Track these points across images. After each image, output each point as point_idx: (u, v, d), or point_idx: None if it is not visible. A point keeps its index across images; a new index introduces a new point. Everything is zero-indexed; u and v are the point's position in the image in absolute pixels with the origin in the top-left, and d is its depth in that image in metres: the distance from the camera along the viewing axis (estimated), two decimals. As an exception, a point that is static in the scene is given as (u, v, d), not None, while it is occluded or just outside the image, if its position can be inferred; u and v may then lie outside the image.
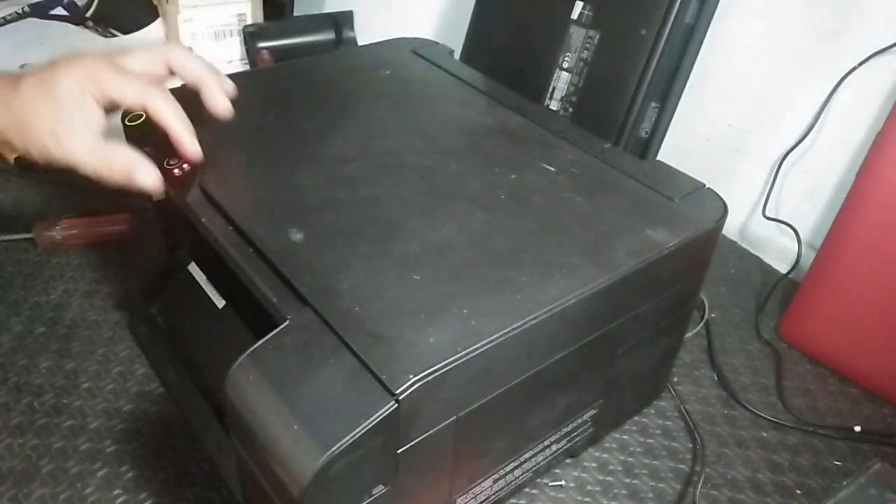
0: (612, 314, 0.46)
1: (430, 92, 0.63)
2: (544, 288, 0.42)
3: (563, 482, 0.55)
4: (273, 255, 0.43)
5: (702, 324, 0.70)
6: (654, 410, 0.62)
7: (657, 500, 0.55)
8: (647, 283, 0.47)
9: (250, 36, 0.98)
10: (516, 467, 0.50)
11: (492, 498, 0.50)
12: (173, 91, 0.51)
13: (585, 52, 0.62)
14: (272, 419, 0.35)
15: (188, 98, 0.59)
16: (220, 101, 0.52)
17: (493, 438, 0.45)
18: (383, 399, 0.35)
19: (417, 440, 0.38)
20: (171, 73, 0.52)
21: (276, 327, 0.39)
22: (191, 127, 0.50)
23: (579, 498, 0.54)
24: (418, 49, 0.69)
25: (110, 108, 0.49)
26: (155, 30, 1.02)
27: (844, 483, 0.43)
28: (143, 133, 0.54)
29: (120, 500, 0.52)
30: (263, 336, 0.38)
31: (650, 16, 0.58)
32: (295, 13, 1.08)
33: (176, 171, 0.50)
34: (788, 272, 0.75)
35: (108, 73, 0.47)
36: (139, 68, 0.50)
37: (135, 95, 0.47)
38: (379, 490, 0.39)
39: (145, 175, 0.48)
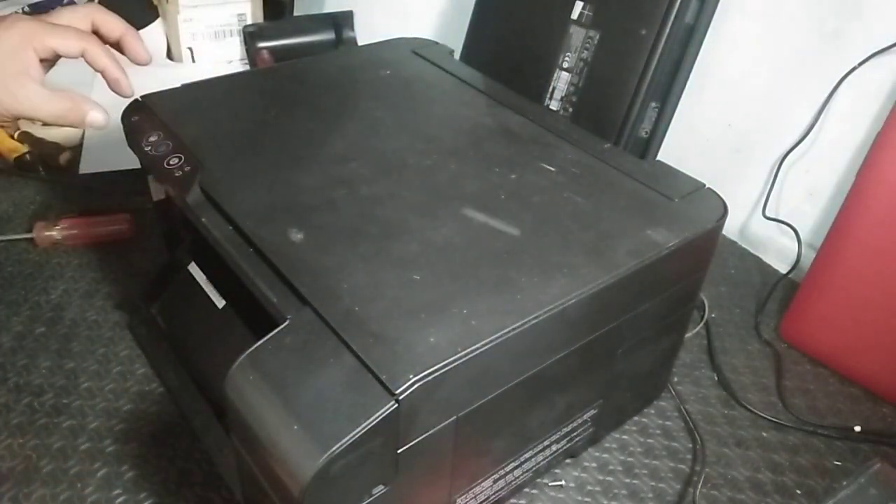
0: (613, 314, 0.46)
1: (430, 92, 0.63)
2: (544, 288, 0.42)
3: (563, 482, 0.55)
4: (273, 255, 0.43)
5: (702, 324, 0.70)
6: (654, 410, 0.62)
7: (657, 500, 0.55)
8: (647, 283, 0.47)
9: (250, 36, 0.98)
10: (516, 467, 0.50)
11: (492, 498, 0.50)
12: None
13: (585, 52, 0.62)
14: (272, 419, 0.35)
15: (188, 98, 0.60)
16: (141, 50, 0.57)
17: (493, 438, 0.45)
18: (383, 399, 0.35)
19: (417, 440, 0.38)
20: (95, 30, 0.57)
21: (276, 327, 0.39)
22: (123, 69, 0.55)
23: (579, 498, 0.54)
24: (418, 49, 0.69)
25: (50, 60, 0.54)
26: (155, 30, 1.02)
27: (844, 483, 0.43)
28: (143, 133, 0.54)
29: (120, 500, 0.52)
30: (263, 336, 0.38)
31: (650, 16, 0.58)
32: (295, 13, 1.08)
33: (176, 171, 0.50)
34: (788, 272, 0.75)
35: (45, 28, 0.52)
36: (68, 24, 0.54)
37: (74, 44, 0.52)
38: (379, 490, 0.39)
39: (97, 114, 0.54)
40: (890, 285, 0.61)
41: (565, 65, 0.64)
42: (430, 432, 0.39)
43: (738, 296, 0.74)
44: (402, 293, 0.41)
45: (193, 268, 0.56)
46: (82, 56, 0.54)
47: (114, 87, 0.55)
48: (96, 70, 0.55)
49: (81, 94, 0.54)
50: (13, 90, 0.51)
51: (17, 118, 0.54)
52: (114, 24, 0.56)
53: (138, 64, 0.57)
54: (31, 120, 0.55)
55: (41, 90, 0.52)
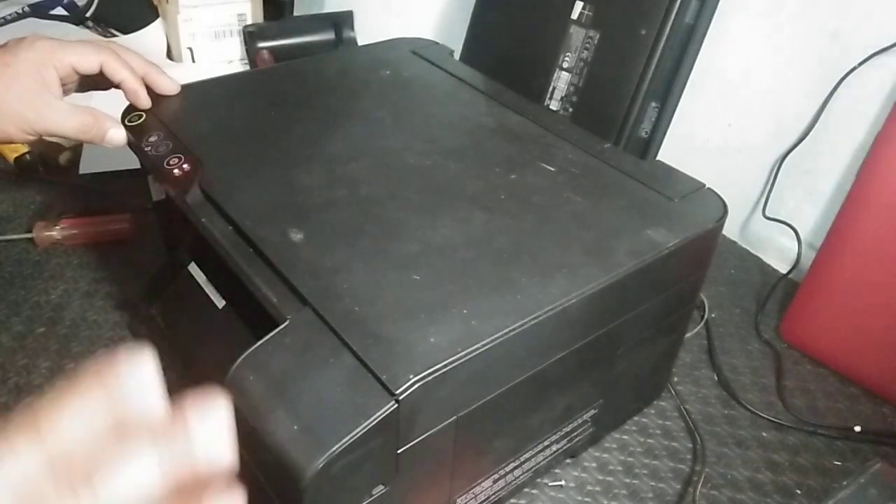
0: (612, 314, 0.46)
1: (430, 92, 0.63)
2: (544, 288, 0.42)
3: (563, 482, 0.55)
4: (273, 255, 0.43)
5: (702, 324, 0.70)
6: (654, 410, 0.62)
7: (657, 500, 0.55)
8: (647, 283, 0.47)
9: (250, 36, 0.98)
10: (516, 467, 0.50)
11: (492, 498, 0.50)
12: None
13: (585, 52, 0.62)
14: (272, 419, 0.35)
15: (188, 98, 0.60)
16: (167, 82, 0.58)
17: (493, 438, 0.45)
18: (383, 399, 0.35)
19: (417, 440, 0.38)
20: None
21: (276, 327, 0.39)
22: (141, 81, 0.56)
23: (579, 498, 0.54)
24: (418, 49, 0.69)
25: (70, 78, 0.54)
26: (155, 30, 1.02)
27: (844, 483, 0.43)
28: (143, 133, 0.54)
29: (120, 500, 0.52)
30: (263, 336, 0.38)
31: (650, 16, 0.58)
32: (295, 13, 1.08)
33: (176, 171, 0.50)
34: (788, 272, 0.74)
35: (63, 45, 0.52)
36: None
37: (93, 58, 0.53)
38: (379, 490, 0.39)
39: (117, 131, 0.55)
40: (890, 285, 0.61)
41: (565, 65, 0.64)
42: (430, 432, 0.39)
43: (738, 296, 0.74)
44: (402, 293, 0.41)
45: (193, 268, 0.56)
46: (101, 69, 0.54)
47: (132, 98, 0.56)
48: (115, 82, 0.55)
49: (101, 111, 0.54)
50: (37, 108, 0.52)
51: (42, 135, 0.54)
52: (136, 63, 0.56)
53: (168, 94, 0.58)
54: (54, 136, 0.55)
55: (65, 106, 0.53)
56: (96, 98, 0.58)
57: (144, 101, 0.56)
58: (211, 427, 0.28)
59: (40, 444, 0.26)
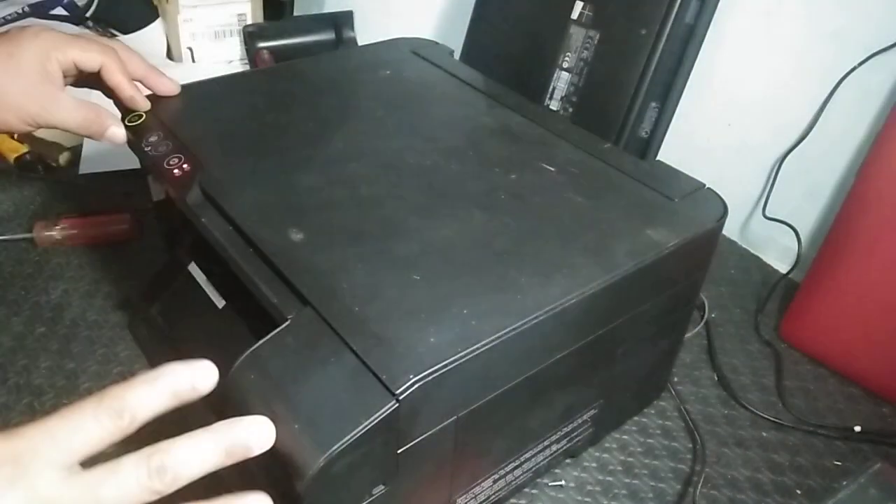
0: (612, 314, 0.46)
1: (430, 92, 0.63)
2: (544, 288, 0.42)
3: (563, 482, 0.55)
4: (273, 255, 0.43)
5: (702, 324, 0.70)
6: (654, 410, 0.62)
7: (657, 500, 0.55)
8: (647, 283, 0.47)
9: (250, 36, 0.98)
10: (516, 467, 0.50)
11: (492, 498, 0.50)
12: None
13: (585, 52, 0.62)
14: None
15: (188, 98, 0.60)
16: (167, 84, 0.58)
17: (493, 438, 0.45)
18: (384, 399, 0.35)
19: (417, 440, 0.38)
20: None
21: (276, 327, 0.39)
22: (136, 87, 0.56)
23: (579, 498, 0.54)
24: (418, 49, 0.69)
25: (70, 72, 0.53)
26: (155, 30, 1.02)
27: (844, 483, 0.43)
28: (143, 133, 0.54)
29: (120, 500, 0.52)
30: (264, 336, 0.38)
31: (650, 16, 0.58)
32: (295, 13, 1.08)
33: (176, 171, 0.50)
34: (788, 272, 0.75)
35: (68, 39, 0.52)
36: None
37: (95, 57, 0.53)
38: (379, 490, 0.39)
39: (118, 129, 0.54)
40: (890, 285, 0.61)
41: (565, 65, 0.64)
42: (430, 432, 0.39)
43: (738, 296, 0.74)
44: (402, 293, 0.41)
45: (193, 268, 0.56)
46: (100, 70, 0.54)
47: (128, 104, 0.56)
48: (110, 85, 0.55)
49: (104, 107, 0.54)
50: (41, 100, 0.51)
51: (42, 127, 0.53)
52: (135, 65, 0.56)
53: (168, 95, 0.58)
54: (55, 129, 0.54)
55: (69, 99, 0.52)
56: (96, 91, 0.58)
57: (142, 105, 0.56)
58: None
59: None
